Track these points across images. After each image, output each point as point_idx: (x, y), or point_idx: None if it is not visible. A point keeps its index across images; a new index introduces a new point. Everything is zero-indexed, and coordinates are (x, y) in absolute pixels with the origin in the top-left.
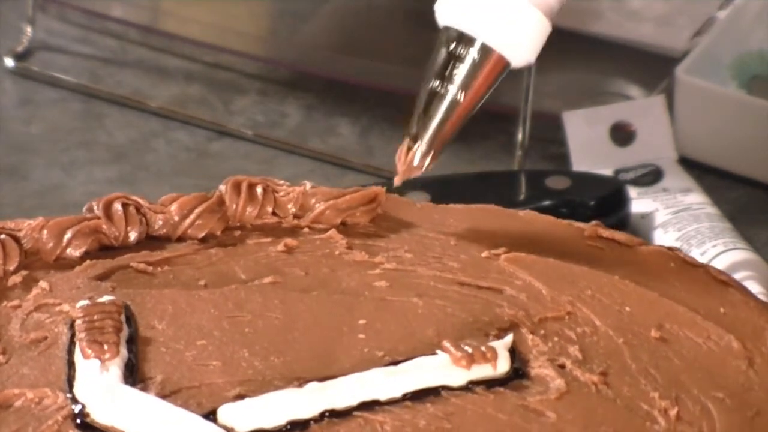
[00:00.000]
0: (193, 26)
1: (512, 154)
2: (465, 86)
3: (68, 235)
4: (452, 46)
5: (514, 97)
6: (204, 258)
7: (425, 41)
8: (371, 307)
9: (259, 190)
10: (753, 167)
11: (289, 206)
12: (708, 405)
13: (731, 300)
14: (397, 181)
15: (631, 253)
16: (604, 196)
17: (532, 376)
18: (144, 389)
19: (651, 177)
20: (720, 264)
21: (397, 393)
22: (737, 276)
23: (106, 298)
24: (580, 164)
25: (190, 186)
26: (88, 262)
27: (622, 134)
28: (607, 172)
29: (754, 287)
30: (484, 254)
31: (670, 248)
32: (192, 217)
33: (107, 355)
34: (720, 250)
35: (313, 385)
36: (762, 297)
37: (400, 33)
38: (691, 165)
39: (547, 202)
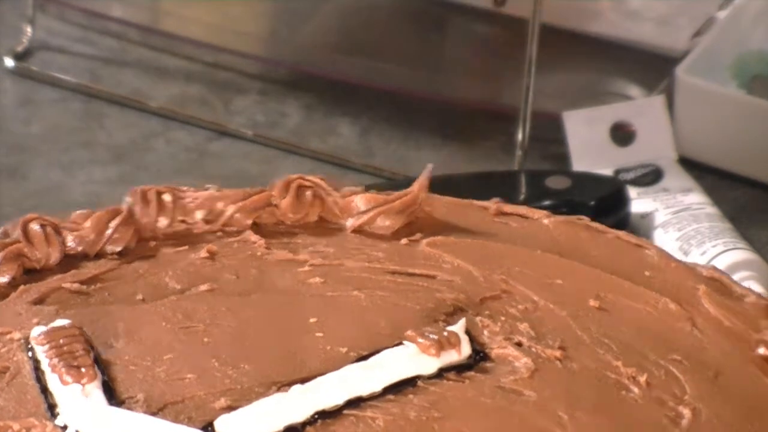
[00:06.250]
0: (193, 26)
1: (512, 154)
2: None
3: None
4: None
5: (514, 97)
6: (131, 272)
7: (425, 41)
8: (315, 304)
9: (167, 198)
10: (753, 167)
11: (197, 213)
12: (670, 368)
13: (651, 263)
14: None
15: (541, 227)
16: (604, 196)
17: (494, 357)
18: (129, 409)
19: (651, 177)
20: (720, 264)
21: (377, 387)
22: (737, 276)
23: (59, 322)
24: (580, 164)
25: (189, 186)
26: (22, 287)
27: (622, 134)
28: (607, 172)
29: (755, 287)
30: (403, 241)
31: (578, 217)
32: (109, 231)
33: (85, 379)
34: (720, 250)
35: (297, 388)
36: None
37: (400, 33)
38: (691, 165)
39: (547, 202)
